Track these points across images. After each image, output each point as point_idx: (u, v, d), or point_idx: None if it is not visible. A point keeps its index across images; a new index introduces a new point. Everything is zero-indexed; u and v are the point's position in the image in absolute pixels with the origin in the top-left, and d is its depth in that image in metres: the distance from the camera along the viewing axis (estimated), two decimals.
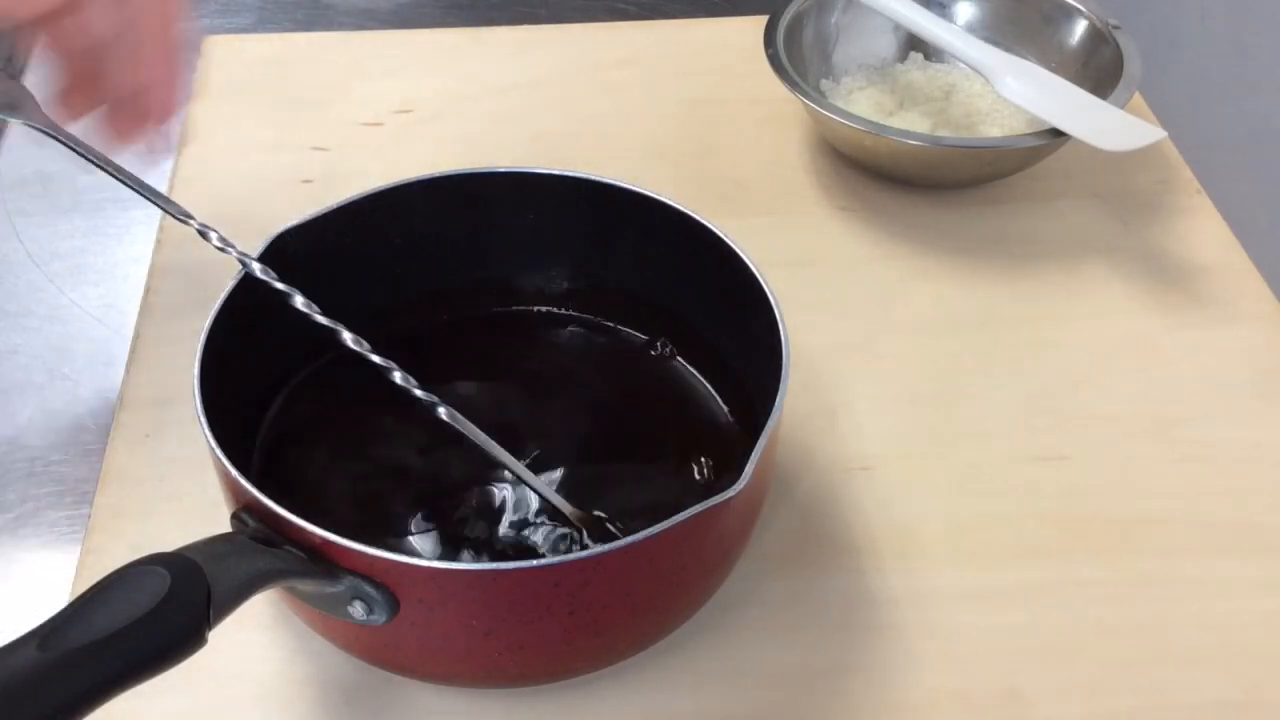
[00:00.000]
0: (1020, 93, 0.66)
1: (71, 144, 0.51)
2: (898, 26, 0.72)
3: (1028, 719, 0.48)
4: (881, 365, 0.61)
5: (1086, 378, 0.61)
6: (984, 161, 0.68)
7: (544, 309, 0.58)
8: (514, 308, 0.58)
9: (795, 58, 0.70)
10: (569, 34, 0.81)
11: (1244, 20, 0.92)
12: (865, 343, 0.62)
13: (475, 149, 0.71)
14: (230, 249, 0.49)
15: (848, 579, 0.52)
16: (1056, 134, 0.64)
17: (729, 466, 0.52)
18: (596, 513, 0.50)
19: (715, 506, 0.42)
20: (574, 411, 0.56)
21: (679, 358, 0.56)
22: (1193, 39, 0.97)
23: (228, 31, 0.82)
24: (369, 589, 0.41)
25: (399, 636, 0.43)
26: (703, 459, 0.53)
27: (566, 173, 0.55)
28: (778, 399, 0.45)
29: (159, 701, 0.47)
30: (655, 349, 0.57)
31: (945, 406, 0.59)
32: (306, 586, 0.42)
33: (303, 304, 0.49)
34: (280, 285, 0.49)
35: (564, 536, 0.49)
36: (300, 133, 0.73)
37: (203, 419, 0.44)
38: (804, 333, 0.54)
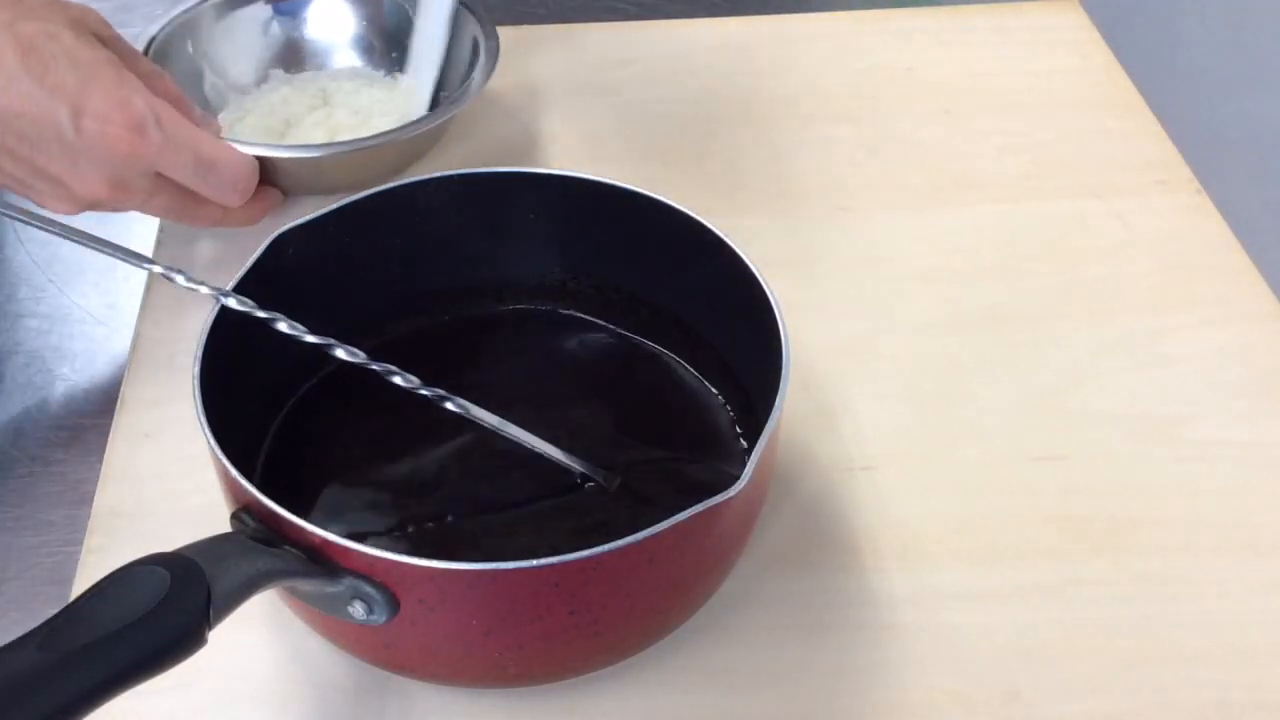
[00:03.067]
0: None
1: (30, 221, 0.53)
2: (254, 47, 0.72)
3: (1028, 719, 0.48)
4: (881, 365, 0.61)
5: (1086, 378, 0.61)
6: (400, 152, 0.67)
7: (544, 309, 0.58)
8: (514, 307, 0.58)
9: None
10: (568, 34, 0.81)
11: (1244, 20, 0.92)
12: (865, 343, 0.62)
13: (474, 149, 0.71)
14: (201, 286, 0.49)
15: (848, 579, 0.52)
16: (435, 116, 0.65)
17: (729, 466, 0.52)
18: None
19: (715, 506, 0.42)
20: (574, 412, 0.56)
21: (679, 358, 0.57)
22: (1193, 39, 0.97)
23: None
24: (369, 589, 0.41)
25: (399, 636, 0.43)
26: (703, 459, 0.53)
27: (566, 173, 0.55)
28: (778, 399, 0.45)
29: (159, 701, 0.47)
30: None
31: (945, 406, 0.59)
32: (306, 586, 0.42)
33: (287, 327, 0.48)
34: (261, 313, 0.48)
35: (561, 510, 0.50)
36: None
37: (203, 419, 0.44)
38: (804, 333, 0.54)
